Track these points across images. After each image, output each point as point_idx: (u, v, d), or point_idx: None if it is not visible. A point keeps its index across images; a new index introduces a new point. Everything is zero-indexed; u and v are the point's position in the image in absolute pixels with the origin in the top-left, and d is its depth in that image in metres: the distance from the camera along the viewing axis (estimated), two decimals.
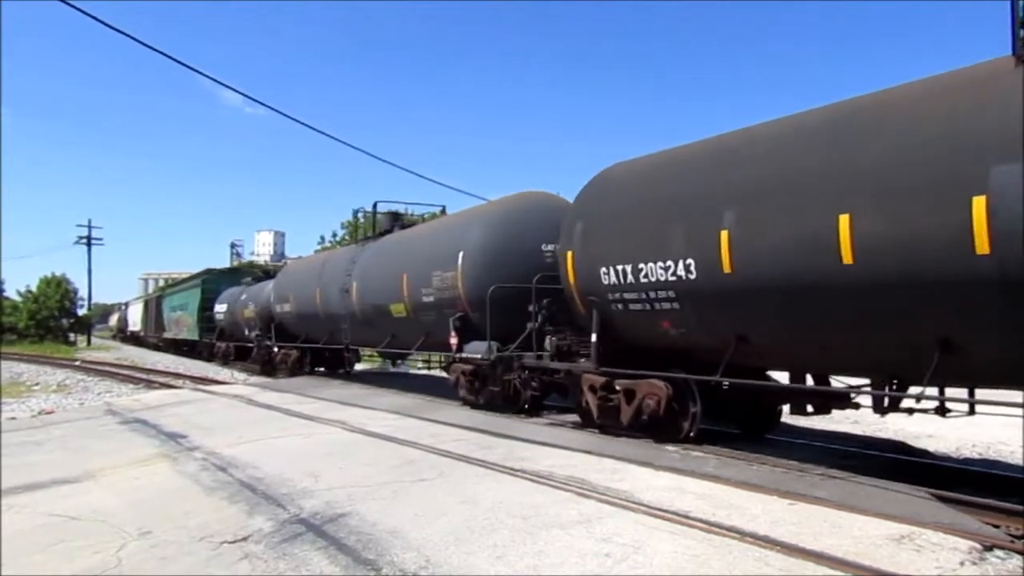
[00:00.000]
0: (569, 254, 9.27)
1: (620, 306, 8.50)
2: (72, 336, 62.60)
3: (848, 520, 5.21)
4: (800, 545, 4.68)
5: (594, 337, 8.96)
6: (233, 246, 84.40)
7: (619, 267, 8.35)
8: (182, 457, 8.52)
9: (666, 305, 7.87)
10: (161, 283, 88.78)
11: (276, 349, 21.77)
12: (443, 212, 17.66)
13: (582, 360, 9.57)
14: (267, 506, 6.08)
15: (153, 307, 48.76)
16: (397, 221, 16.84)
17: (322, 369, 20.97)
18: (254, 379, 21.66)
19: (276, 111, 33.75)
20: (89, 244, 63.53)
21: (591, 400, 9.16)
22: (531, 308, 10.38)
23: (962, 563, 4.37)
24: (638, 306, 8.24)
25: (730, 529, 5.04)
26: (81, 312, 66.54)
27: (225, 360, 28.60)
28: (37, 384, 23.14)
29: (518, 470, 7.08)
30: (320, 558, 4.74)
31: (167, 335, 42.00)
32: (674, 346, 8.21)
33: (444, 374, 15.17)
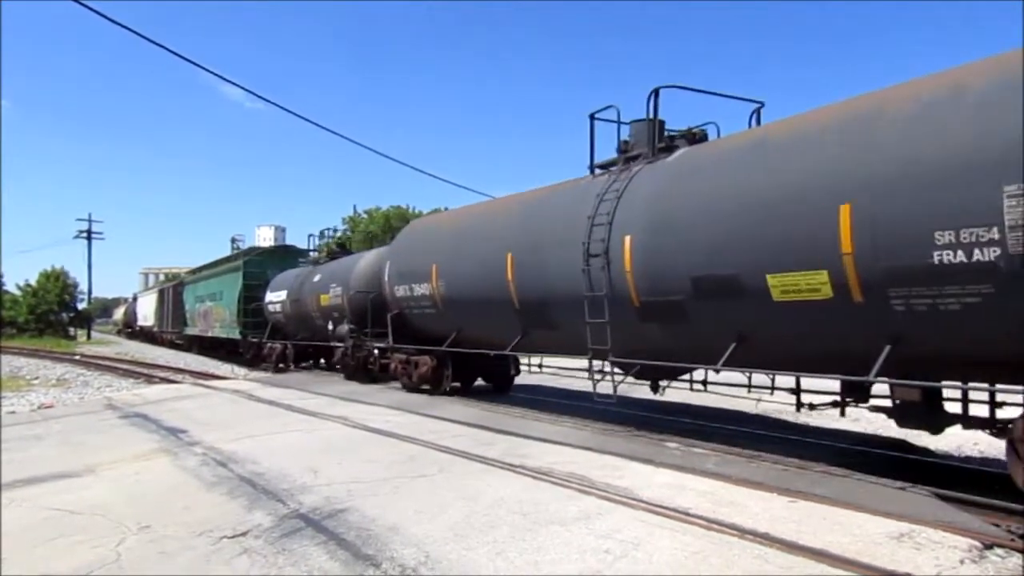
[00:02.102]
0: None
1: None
2: (72, 330, 62.64)
3: (848, 518, 5.21)
4: (800, 543, 4.68)
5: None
6: (234, 241, 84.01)
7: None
8: (182, 452, 8.52)
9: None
10: (162, 278, 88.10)
11: (392, 355, 14.73)
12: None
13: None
14: (267, 501, 6.08)
15: (170, 298, 40.64)
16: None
17: (486, 384, 14.50)
18: (255, 374, 21.66)
19: (277, 106, 33.83)
20: (89, 238, 63.59)
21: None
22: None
23: (962, 561, 4.37)
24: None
25: (730, 526, 5.04)
26: (81, 306, 66.56)
27: (280, 365, 22.10)
28: (37, 378, 23.13)
29: (518, 466, 7.09)
30: (320, 553, 4.74)
31: (191, 331, 34.63)
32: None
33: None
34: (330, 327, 18.14)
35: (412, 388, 14.05)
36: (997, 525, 5.24)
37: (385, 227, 50.10)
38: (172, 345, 40.76)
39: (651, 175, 8.62)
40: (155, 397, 15.02)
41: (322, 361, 21.83)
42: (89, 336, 62.77)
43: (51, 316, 61.76)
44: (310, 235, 23.80)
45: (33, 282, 62.70)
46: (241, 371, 23.60)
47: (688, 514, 5.36)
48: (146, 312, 52.24)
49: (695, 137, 9.14)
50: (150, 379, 21.71)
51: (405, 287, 13.56)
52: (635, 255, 8.22)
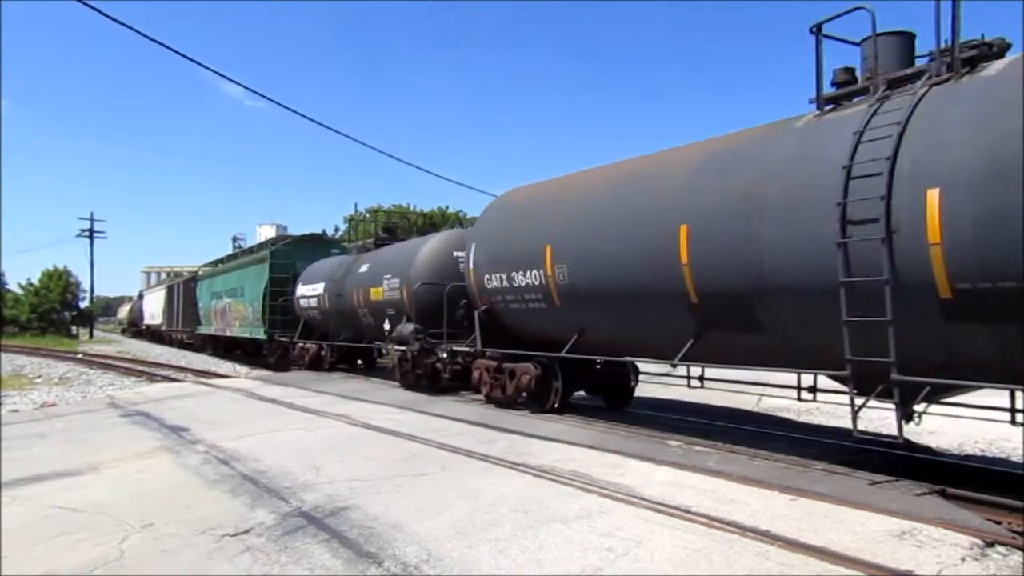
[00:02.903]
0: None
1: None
2: (74, 329, 62.70)
3: (849, 516, 5.22)
4: (801, 540, 4.68)
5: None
6: (235, 239, 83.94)
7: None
8: (184, 450, 8.53)
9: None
10: (164, 276, 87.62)
11: (475, 361, 11.92)
12: None
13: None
14: (269, 499, 6.09)
15: (180, 295, 37.23)
16: None
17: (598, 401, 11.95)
18: (256, 373, 21.69)
19: (277, 103, 34.04)
20: (91, 237, 63.57)
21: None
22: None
23: (963, 559, 4.37)
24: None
25: (731, 524, 5.05)
26: (83, 305, 66.61)
27: (315, 366, 19.48)
28: (39, 377, 23.17)
29: (520, 464, 7.10)
30: (322, 551, 4.75)
31: (205, 330, 31.38)
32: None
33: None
34: (386, 327, 15.05)
35: (502, 403, 11.26)
36: (998, 523, 5.24)
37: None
38: (182, 345, 38.05)
39: (967, 98, 5.75)
40: (157, 395, 15.05)
41: (359, 362, 19.98)
42: (91, 335, 62.82)
43: (53, 315, 61.76)
44: (347, 217, 21.82)
45: (35, 281, 62.78)
46: (243, 369, 23.64)
47: (689, 512, 5.36)
48: (153, 310, 49.21)
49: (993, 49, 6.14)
50: (152, 377, 21.75)
51: (499, 276, 10.82)
52: (949, 219, 5.47)
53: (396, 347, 14.50)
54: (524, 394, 10.74)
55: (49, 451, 8.89)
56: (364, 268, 16.47)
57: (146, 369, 24.76)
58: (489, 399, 11.56)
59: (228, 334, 27.28)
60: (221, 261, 32.27)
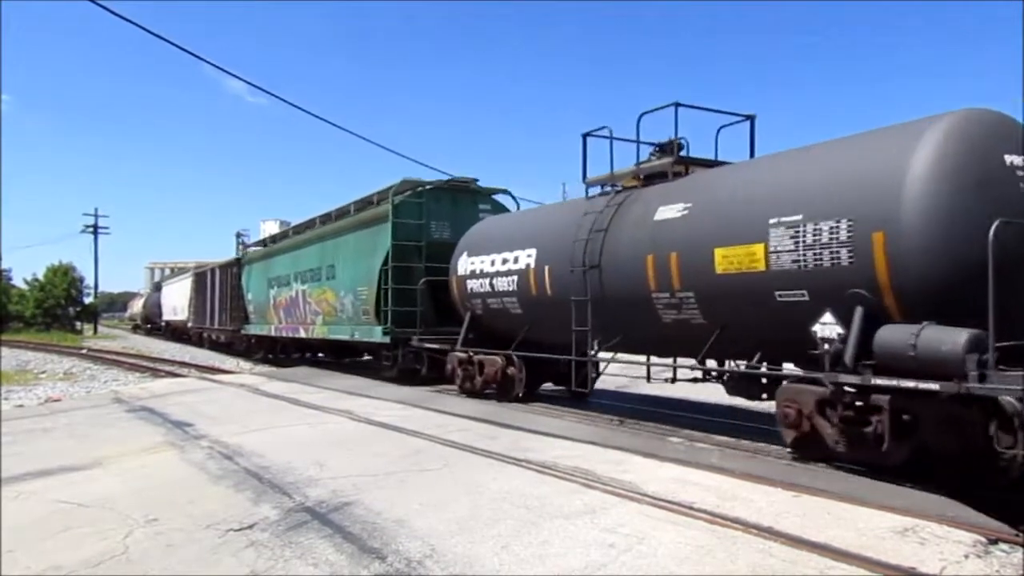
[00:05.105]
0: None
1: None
2: (79, 325, 62.87)
3: (852, 512, 5.22)
4: (804, 537, 4.68)
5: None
6: (239, 235, 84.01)
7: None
8: (188, 445, 8.56)
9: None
10: (167, 272, 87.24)
11: None
12: None
13: None
14: (273, 494, 6.11)
15: (215, 285, 29.63)
16: None
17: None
18: (260, 368, 21.73)
19: (278, 98, 33.90)
20: (96, 233, 63.82)
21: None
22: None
23: (966, 556, 4.37)
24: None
25: (734, 520, 5.05)
26: (88, 301, 66.78)
27: (502, 391, 11.57)
28: (44, 372, 23.27)
29: (523, 460, 7.10)
30: (326, 546, 4.76)
31: (257, 329, 23.81)
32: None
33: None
34: (820, 329, 6.51)
35: None
36: (1001, 520, 5.23)
37: None
38: (216, 346, 31.58)
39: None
40: (161, 391, 15.09)
41: (566, 387, 11.99)
42: (96, 330, 62.98)
43: (58, 310, 61.94)
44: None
45: (40, 276, 62.95)
46: (247, 365, 23.67)
47: (692, 508, 5.37)
48: (175, 303, 41.58)
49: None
50: (156, 373, 21.82)
51: None
52: None
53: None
54: None
55: (54, 446, 8.92)
56: (673, 212, 8.28)
57: (150, 365, 24.84)
58: None
59: (303, 335, 19.68)
60: (273, 239, 24.17)
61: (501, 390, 11.75)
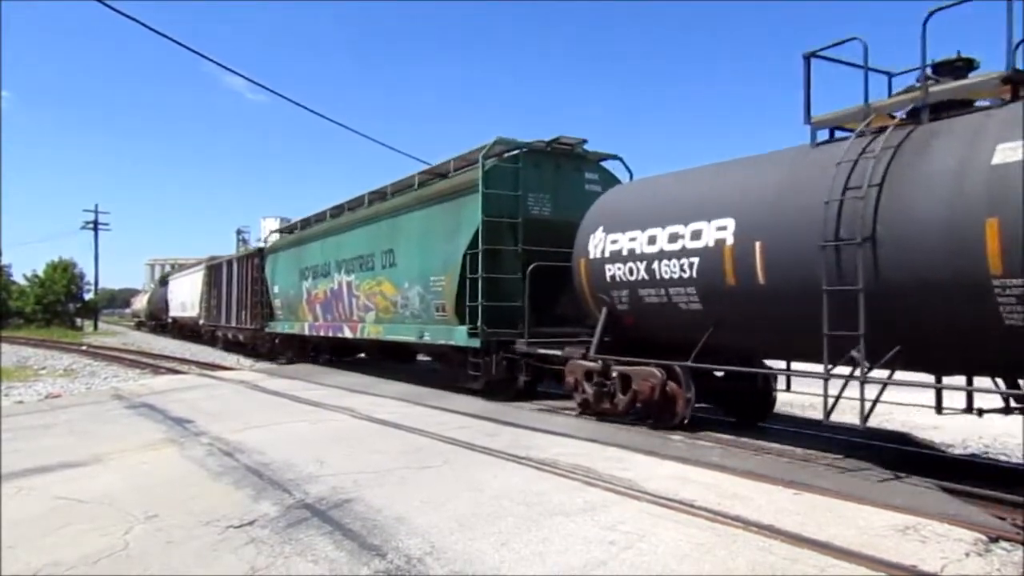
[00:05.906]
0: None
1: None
2: (79, 321, 62.91)
3: (853, 510, 5.21)
4: (804, 535, 4.68)
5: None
6: (239, 232, 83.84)
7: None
8: (188, 442, 8.56)
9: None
10: (168, 268, 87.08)
11: None
12: None
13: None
14: (273, 491, 6.11)
15: (231, 277, 27.15)
16: None
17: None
18: (260, 365, 21.73)
19: (278, 95, 33.96)
20: (96, 229, 63.87)
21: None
22: None
23: (967, 554, 4.37)
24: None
25: (734, 518, 5.05)
26: (88, 297, 66.83)
27: (660, 417, 8.73)
28: (44, 368, 23.28)
29: (523, 458, 7.10)
30: (326, 543, 4.76)
31: (285, 327, 21.11)
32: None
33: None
34: None
35: None
36: (1002, 518, 5.23)
37: None
38: (231, 345, 28.63)
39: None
40: (161, 388, 15.10)
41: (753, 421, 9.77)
42: (96, 327, 63.01)
43: (58, 307, 61.98)
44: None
45: (40, 273, 62.98)
46: (247, 362, 23.67)
47: (693, 506, 5.37)
48: (185, 299, 38.63)
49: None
50: (156, 370, 21.82)
51: None
52: None
53: None
54: None
55: (54, 442, 8.92)
56: None
57: (150, 361, 24.83)
58: None
59: (348, 335, 16.61)
60: (308, 223, 20.05)
61: (657, 413, 8.86)
